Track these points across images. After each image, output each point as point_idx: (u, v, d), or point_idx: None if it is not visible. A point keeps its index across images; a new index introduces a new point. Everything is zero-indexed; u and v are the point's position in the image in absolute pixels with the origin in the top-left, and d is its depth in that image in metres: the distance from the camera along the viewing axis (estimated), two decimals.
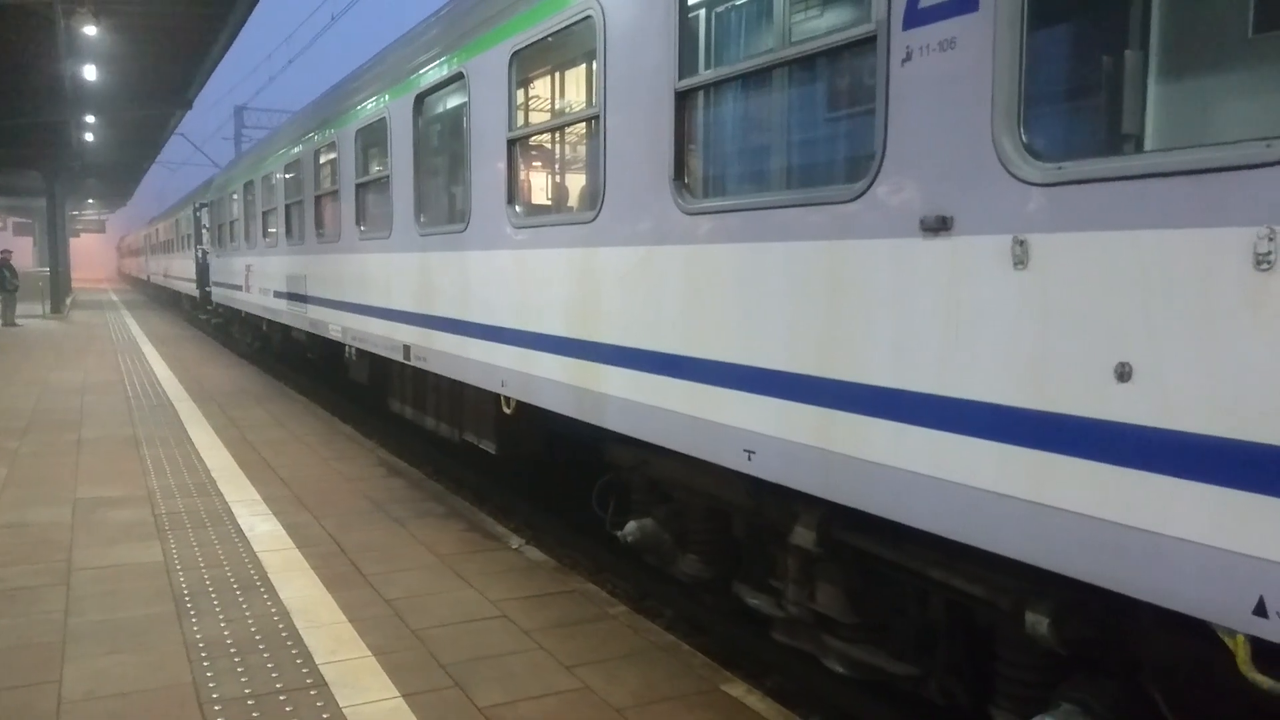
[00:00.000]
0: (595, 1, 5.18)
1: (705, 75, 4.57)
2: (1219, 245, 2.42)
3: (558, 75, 6.62)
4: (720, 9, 4.77)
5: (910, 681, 4.11)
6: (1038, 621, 3.20)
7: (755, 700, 4.22)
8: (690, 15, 4.62)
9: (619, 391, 5.13)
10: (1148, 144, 3.08)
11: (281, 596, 5.33)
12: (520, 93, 6.43)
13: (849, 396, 3.60)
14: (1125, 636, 3.19)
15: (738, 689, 4.33)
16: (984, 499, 3.05)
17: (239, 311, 19.00)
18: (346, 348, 10.91)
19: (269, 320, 15.86)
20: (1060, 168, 2.82)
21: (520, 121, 6.44)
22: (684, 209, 4.55)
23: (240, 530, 6.66)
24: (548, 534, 7.73)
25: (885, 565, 3.96)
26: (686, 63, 4.57)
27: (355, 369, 11.15)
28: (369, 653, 4.58)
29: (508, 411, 6.80)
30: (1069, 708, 3.26)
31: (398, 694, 4.16)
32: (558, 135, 6.66)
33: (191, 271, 26.50)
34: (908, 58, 3.33)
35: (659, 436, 4.81)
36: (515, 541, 6.54)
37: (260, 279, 15.89)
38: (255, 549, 6.22)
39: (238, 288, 18.25)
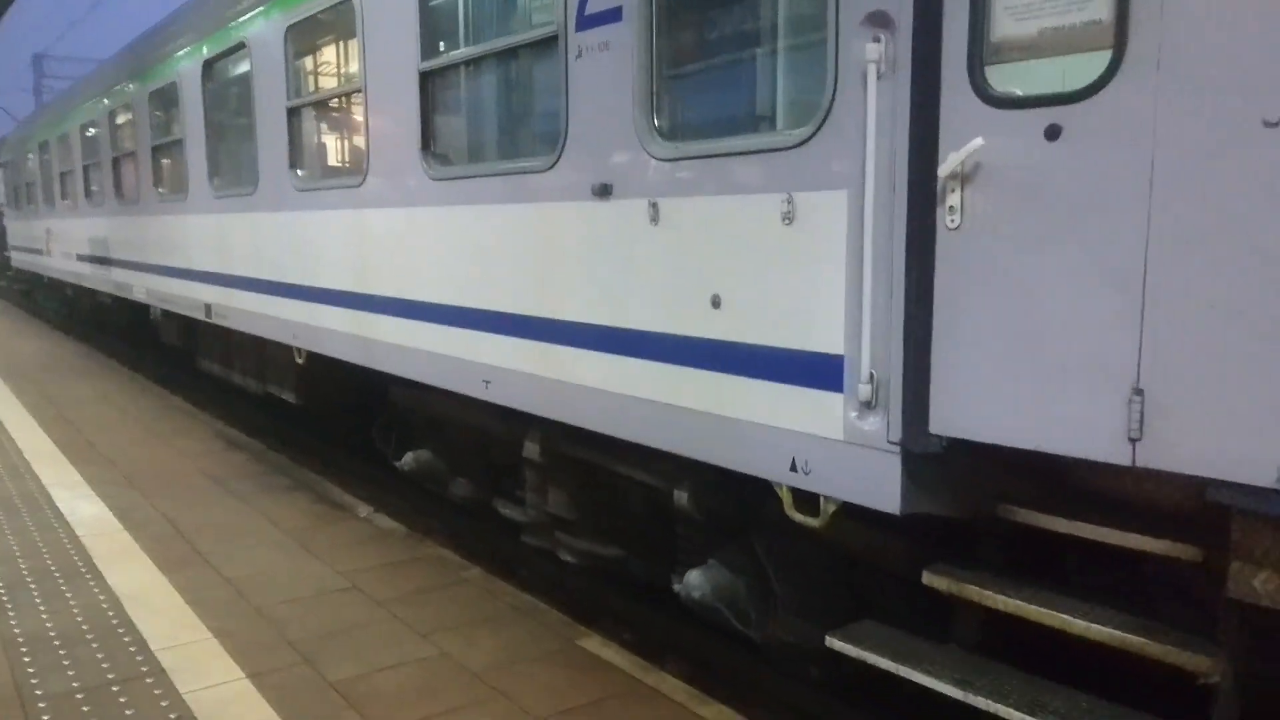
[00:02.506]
0: None
1: (439, 60, 5.30)
2: (764, 207, 3.39)
3: (329, 51, 7.12)
4: (451, 1, 5.43)
5: (619, 563, 5.07)
6: (680, 497, 4.21)
7: (611, 653, 4.32)
8: (429, 4, 5.28)
9: (388, 337, 5.93)
10: (737, 130, 3.96)
11: (110, 583, 5.05)
12: (297, 65, 7.07)
13: (552, 331, 4.50)
14: (741, 504, 4.09)
15: (593, 643, 4.42)
16: (640, 405, 4.00)
17: (42, 277, 18.81)
18: (152, 309, 11.28)
19: (74, 285, 15.79)
20: (677, 147, 3.79)
21: (297, 92, 7.10)
22: (430, 175, 5.32)
23: (60, 515, 6.27)
24: (398, 500, 7.57)
25: (594, 468, 4.86)
26: (426, 47, 5.30)
27: (164, 331, 11.38)
28: (210, 635, 4.43)
29: (300, 362, 7.41)
30: (713, 562, 4.24)
31: (243, 675, 4.05)
32: (330, 106, 7.21)
33: None
34: (579, 55, 4.15)
35: (420, 374, 5.66)
36: (363, 510, 6.41)
37: (62, 242, 15.83)
38: (78, 534, 5.87)
39: (39, 252, 18.08)
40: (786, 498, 3.51)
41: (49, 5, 41.92)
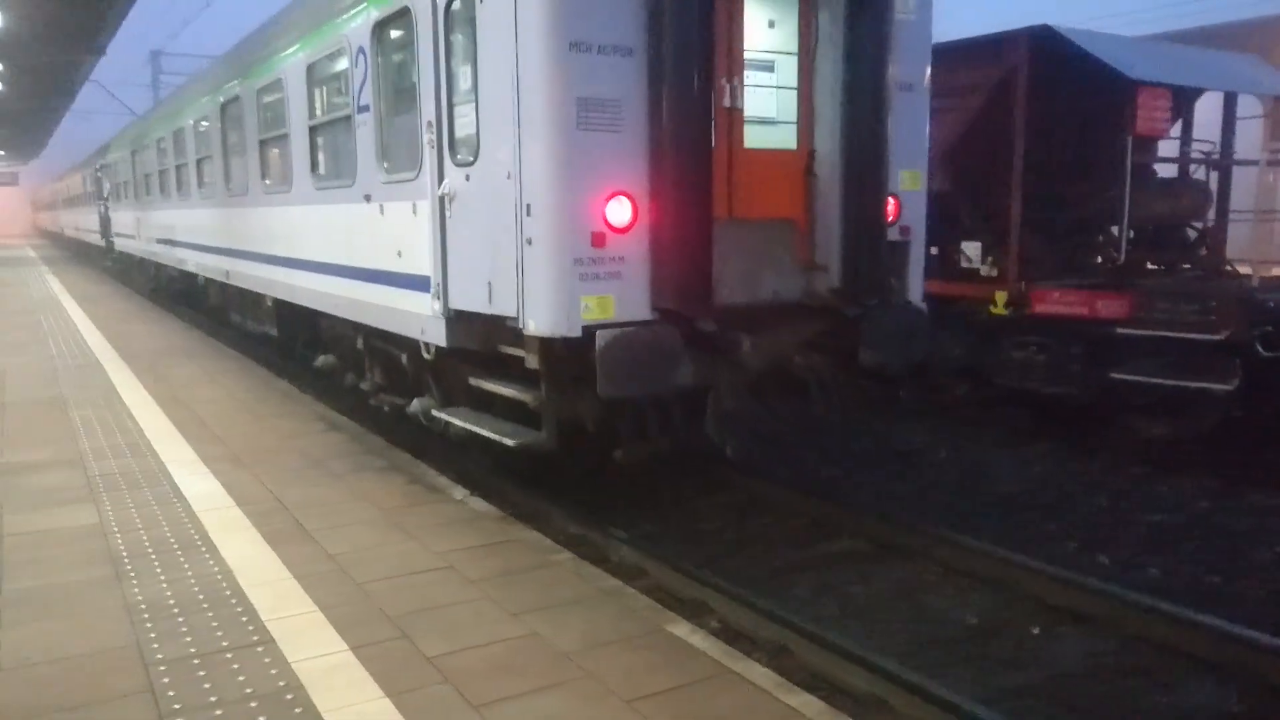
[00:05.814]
0: (283, 72, 10.06)
1: (314, 120, 9.41)
2: (407, 206, 7.20)
3: (280, 107, 10.62)
4: (315, 86, 9.40)
5: (401, 409, 8.36)
6: (403, 358, 7.98)
7: (699, 639, 4.36)
8: (310, 86, 9.41)
9: (301, 283, 10.19)
10: (402, 170, 7.43)
11: (223, 555, 5.32)
12: (263, 114, 11.20)
13: (356, 273, 8.45)
14: (423, 358, 7.54)
15: (681, 629, 4.46)
16: (382, 309, 7.88)
17: (134, 256, 23.81)
18: (199, 277, 16.13)
19: (155, 263, 20.61)
20: (388, 176, 7.56)
21: (264, 130, 11.26)
22: (315, 186, 9.46)
23: (178, 490, 6.60)
24: (489, 485, 7.73)
25: (383, 350, 8.53)
26: (311, 112, 9.46)
27: (210, 294, 15.85)
28: (315, 608, 4.62)
29: (269, 305, 11.96)
30: (425, 396, 7.87)
31: (346, 647, 4.21)
32: (280, 141, 10.72)
33: (97, 224, 31.19)
34: (358, 126, 8.00)
35: (315, 304, 9.80)
36: (460, 493, 6.57)
37: (145, 229, 20.71)
38: (194, 508, 6.18)
39: (131, 237, 23.20)
40: (421, 348, 7.29)
41: (166, 3, 43.70)
